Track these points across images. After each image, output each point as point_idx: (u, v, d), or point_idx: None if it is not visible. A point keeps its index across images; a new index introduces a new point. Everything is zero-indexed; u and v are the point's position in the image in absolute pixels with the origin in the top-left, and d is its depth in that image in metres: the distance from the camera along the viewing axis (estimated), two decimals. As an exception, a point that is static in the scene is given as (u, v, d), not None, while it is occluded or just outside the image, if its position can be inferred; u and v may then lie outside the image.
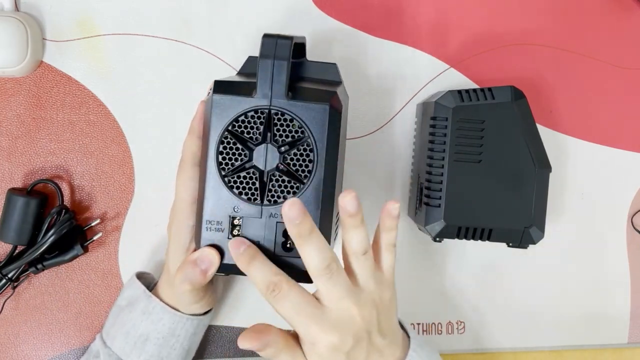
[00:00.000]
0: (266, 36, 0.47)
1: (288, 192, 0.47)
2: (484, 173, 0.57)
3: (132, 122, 0.62)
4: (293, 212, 0.42)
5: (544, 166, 0.57)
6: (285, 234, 0.47)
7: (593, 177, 0.66)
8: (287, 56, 0.46)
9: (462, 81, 0.64)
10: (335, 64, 0.53)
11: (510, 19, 0.65)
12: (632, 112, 0.66)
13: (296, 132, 0.46)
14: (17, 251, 0.60)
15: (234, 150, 0.47)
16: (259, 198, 0.47)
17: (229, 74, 0.63)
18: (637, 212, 0.67)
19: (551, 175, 0.58)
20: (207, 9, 0.62)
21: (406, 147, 0.64)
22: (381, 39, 0.64)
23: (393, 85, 0.64)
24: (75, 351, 0.63)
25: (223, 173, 0.47)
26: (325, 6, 0.63)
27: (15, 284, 0.60)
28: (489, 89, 0.57)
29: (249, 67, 0.52)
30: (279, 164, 0.47)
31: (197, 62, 0.63)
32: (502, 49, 0.65)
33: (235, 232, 0.47)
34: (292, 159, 0.46)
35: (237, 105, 0.46)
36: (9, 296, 0.61)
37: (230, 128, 0.46)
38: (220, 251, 0.48)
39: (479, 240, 0.57)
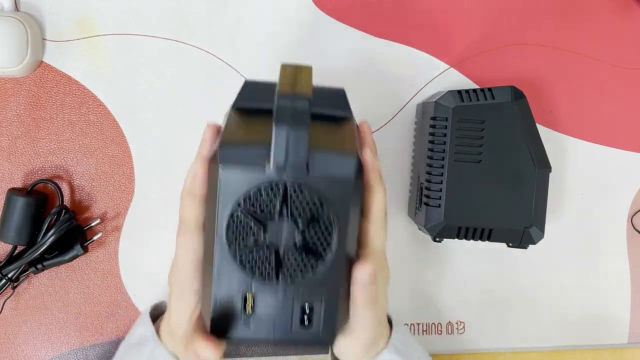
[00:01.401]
0: (282, 96, 0.41)
1: (306, 268, 0.42)
2: (484, 173, 0.57)
3: (132, 122, 0.63)
4: (366, 278, 0.43)
5: (544, 166, 0.57)
6: (303, 310, 0.43)
7: (593, 177, 0.66)
8: (306, 122, 0.40)
9: (462, 81, 0.64)
10: (342, 90, 0.47)
11: (510, 19, 0.65)
12: (632, 112, 0.66)
13: (315, 205, 0.41)
14: (17, 251, 0.60)
15: (246, 228, 0.41)
16: (274, 277, 0.42)
17: (229, 74, 0.63)
18: (637, 212, 0.67)
19: (551, 175, 0.58)
20: (207, 9, 0.62)
21: (406, 147, 0.64)
22: (381, 39, 0.64)
23: (393, 85, 0.64)
24: (75, 351, 0.63)
25: (234, 251, 0.42)
26: (325, 6, 0.63)
27: (15, 284, 0.60)
28: (489, 89, 0.57)
29: (248, 99, 0.46)
30: (296, 241, 0.42)
31: (197, 62, 0.63)
32: (502, 49, 0.65)
33: (248, 309, 0.43)
34: (310, 235, 0.41)
35: (249, 178, 0.40)
36: (9, 296, 0.61)
37: (241, 204, 0.41)
38: (229, 324, 0.44)
39: (479, 241, 0.57)
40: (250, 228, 0.41)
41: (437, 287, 0.65)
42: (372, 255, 0.45)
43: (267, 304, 0.43)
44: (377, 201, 0.45)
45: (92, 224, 0.62)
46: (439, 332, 0.65)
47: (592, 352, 0.67)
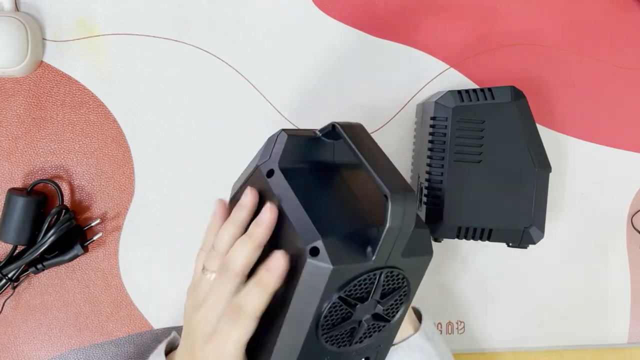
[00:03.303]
0: (394, 201, 0.40)
1: (374, 331, 0.45)
2: (484, 173, 0.57)
3: (132, 122, 0.63)
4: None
5: (544, 166, 0.57)
6: None
7: (593, 177, 0.66)
8: (412, 225, 0.41)
9: (462, 81, 0.64)
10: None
11: (510, 19, 0.65)
12: (632, 112, 0.66)
13: (399, 283, 0.44)
14: (17, 251, 0.60)
15: (338, 311, 0.42)
16: (349, 344, 0.44)
17: (229, 74, 0.63)
18: (637, 212, 0.67)
19: (551, 175, 0.58)
20: (207, 8, 0.62)
21: (406, 147, 0.64)
22: (381, 39, 0.64)
23: (393, 85, 0.64)
24: (76, 351, 0.63)
25: (322, 332, 0.43)
26: (325, 6, 0.63)
27: (15, 284, 0.60)
28: (489, 89, 0.57)
29: (292, 157, 0.46)
30: (376, 312, 0.44)
31: (197, 62, 0.63)
32: (502, 49, 0.65)
33: None
34: (386, 306, 0.44)
35: (352, 271, 0.41)
36: (9, 296, 0.61)
37: (343, 295, 0.41)
38: None
39: (479, 240, 0.57)
40: (342, 311, 0.42)
41: (437, 287, 0.65)
42: None
43: None
44: None
45: (92, 224, 0.62)
46: (439, 332, 0.65)
47: (592, 352, 0.67)
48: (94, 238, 0.62)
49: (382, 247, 0.41)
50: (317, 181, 0.46)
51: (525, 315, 0.66)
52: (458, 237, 0.57)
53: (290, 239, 0.42)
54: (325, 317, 0.42)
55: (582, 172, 0.66)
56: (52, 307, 0.63)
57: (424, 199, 0.57)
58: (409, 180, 0.65)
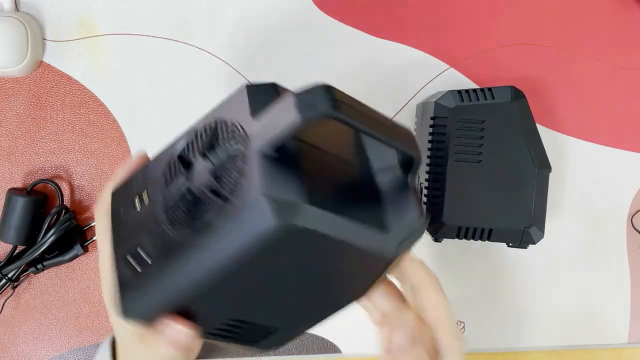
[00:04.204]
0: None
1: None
2: (484, 173, 0.57)
3: (132, 122, 0.63)
4: None
5: (544, 166, 0.57)
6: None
7: (593, 177, 0.66)
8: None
9: (462, 81, 0.64)
10: None
11: (510, 19, 0.65)
12: (632, 112, 0.66)
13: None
14: (17, 251, 0.60)
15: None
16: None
17: (229, 73, 0.63)
18: (637, 212, 0.67)
19: (551, 175, 0.58)
20: (207, 8, 0.62)
21: (406, 147, 0.64)
22: (381, 39, 0.64)
23: (393, 85, 0.64)
24: (76, 351, 0.63)
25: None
26: (325, 6, 0.63)
27: (15, 284, 0.60)
28: (489, 89, 0.57)
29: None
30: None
31: (197, 62, 0.63)
32: (502, 49, 0.65)
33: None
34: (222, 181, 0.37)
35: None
36: (9, 296, 0.61)
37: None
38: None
39: (479, 240, 0.57)
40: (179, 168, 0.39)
41: (437, 287, 0.65)
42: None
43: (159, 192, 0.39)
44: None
45: (92, 224, 0.62)
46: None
47: (591, 352, 0.67)
48: (94, 238, 0.62)
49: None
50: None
51: (526, 315, 0.66)
52: (458, 237, 0.57)
53: None
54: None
55: (582, 172, 0.66)
56: (52, 307, 0.63)
57: (424, 199, 0.57)
58: (409, 180, 0.65)
